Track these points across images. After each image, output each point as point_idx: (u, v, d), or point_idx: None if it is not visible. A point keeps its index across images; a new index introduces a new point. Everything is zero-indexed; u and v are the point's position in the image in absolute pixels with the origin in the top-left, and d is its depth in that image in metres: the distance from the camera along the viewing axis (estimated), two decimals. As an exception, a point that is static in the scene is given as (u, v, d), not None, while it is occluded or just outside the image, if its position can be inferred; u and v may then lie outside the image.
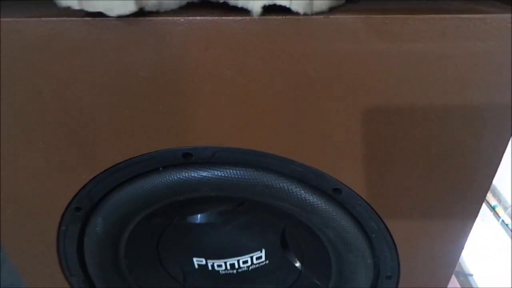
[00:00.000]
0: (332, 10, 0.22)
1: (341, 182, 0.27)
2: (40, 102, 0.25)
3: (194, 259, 0.36)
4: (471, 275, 1.14)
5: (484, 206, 1.70)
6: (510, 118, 0.23)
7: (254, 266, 0.36)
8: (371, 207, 0.28)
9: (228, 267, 0.36)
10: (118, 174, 0.28)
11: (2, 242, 0.33)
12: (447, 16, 0.20)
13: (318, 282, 0.37)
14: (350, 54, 0.21)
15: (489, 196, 2.16)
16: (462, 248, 0.30)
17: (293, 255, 0.37)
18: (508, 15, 0.20)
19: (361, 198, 0.28)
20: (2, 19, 0.22)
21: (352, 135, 0.25)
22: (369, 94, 0.23)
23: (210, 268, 0.36)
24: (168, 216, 0.34)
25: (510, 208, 1.68)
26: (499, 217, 1.94)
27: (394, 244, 0.30)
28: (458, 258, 0.31)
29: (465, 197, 0.27)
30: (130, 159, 0.27)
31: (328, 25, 0.20)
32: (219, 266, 0.36)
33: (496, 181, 2.12)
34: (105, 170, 0.28)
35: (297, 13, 0.21)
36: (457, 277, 1.14)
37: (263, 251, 0.36)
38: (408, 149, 0.25)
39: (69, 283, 0.36)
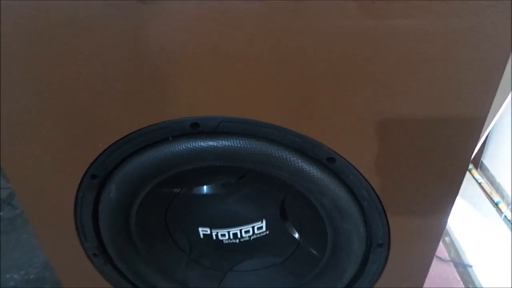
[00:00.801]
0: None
1: (335, 152, 0.29)
2: (60, 76, 0.27)
3: (200, 229, 0.39)
4: (471, 266, 1.16)
5: (487, 202, 1.72)
6: (491, 88, 0.25)
7: (255, 236, 0.39)
8: (363, 176, 0.30)
9: (231, 236, 0.39)
10: (130, 144, 0.30)
11: (27, 211, 0.36)
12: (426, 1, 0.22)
13: (315, 252, 0.39)
14: (342, 30, 0.24)
15: (493, 193, 2.17)
16: (448, 217, 0.32)
17: (291, 226, 0.39)
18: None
19: (354, 167, 0.30)
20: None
21: (345, 107, 0.27)
22: (361, 68, 0.25)
23: (214, 237, 0.39)
24: (175, 187, 0.36)
25: None
26: (502, 212, 1.95)
27: (385, 212, 0.32)
28: (444, 226, 0.33)
29: (450, 165, 0.29)
30: (141, 129, 0.30)
31: (324, 4, 0.23)
32: (223, 235, 0.39)
33: (500, 178, 2.13)
34: (118, 140, 0.30)
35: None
36: (456, 268, 1.16)
37: (264, 221, 0.38)
38: (396, 120, 0.27)
39: (83, 249, 0.38)
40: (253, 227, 0.38)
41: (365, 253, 0.36)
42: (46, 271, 0.72)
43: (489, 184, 2.25)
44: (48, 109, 0.29)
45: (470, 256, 1.19)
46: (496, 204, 2.10)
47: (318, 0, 0.23)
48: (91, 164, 0.32)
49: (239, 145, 0.29)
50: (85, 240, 0.37)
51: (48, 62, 0.27)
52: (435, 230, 0.33)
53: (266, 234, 0.39)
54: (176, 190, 0.37)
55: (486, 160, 2.34)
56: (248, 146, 0.29)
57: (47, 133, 0.30)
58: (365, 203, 0.32)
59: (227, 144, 0.29)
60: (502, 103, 1.73)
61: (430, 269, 1.10)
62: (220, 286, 0.43)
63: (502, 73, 0.24)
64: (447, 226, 1.39)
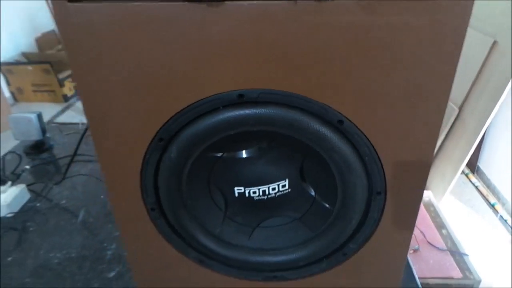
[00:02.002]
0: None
1: (343, 115, 0.40)
2: (139, 60, 0.38)
3: (235, 188, 0.49)
4: (467, 255, 1.25)
5: (484, 204, 1.83)
6: (452, 64, 0.36)
7: (280, 193, 0.49)
8: (365, 135, 0.41)
9: (261, 193, 0.49)
10: (190, 113, 0.41)
11: (103, 170, 0.46)
12: (401, 1, 0.33)
13: (327, 205, 0.49)
14: (346, 24, 0.34)
15: (489, 195, 2.26)
16: (429, 167, 0.42)
17: (308, 185, 0.49)
18: (428, 1, 0.33)
19: (358, 128, 0.40)
20: (113, 3, 0.35)
21: (350, 81, 0.37)
22: (360, 51, 0.36)
23: (247, 195, 0.49)
24: (218, 151, 0.47)
25: (508, 204, 1.79)
26: (497, 212, 2.05)
27: (382, 164, 0.42)
28: (427, 177, 0.43)
29: (428, 122, 0.39)
30: (199, 100, 0.40)
31: (335, 5, 0.34)
32: (254, 192, 0.49)
33: (495, 181, 2.22)
34: (181, 110, 0.41)
35: (315, -1, 0.34)
36: (453, 256, 1.26)
37: (287, 180, 0.48)
38: (389, 89, 0.38)
39: (144, 204, 0.48)
40: (278, 185, 0.48)
41: (367, 202, 0.46)
42: (85, 250, 0.82)
43: (485, 187, 2.34)
44: (129, 85, 0.39)
45: (466, 246, 1.28)
46: (492, 206, 2.18)
47: (330, 3, 0.33)
48: (159, 129, 0.42)
49: (272, 112, 0.40)
50: (146, 196, 0.47)
51: (132, 49, 0.37)
52: (420, 178, 0.43)
53: (288, 191, 0.49)
54: (218, 154, 0.47)
55: (482, 164, 2.44)
56: (279, 112, 0.40)
57: (128, 105, 0.41)
58: (366, 158, 0.42)
59: (264, 111, 0.40)
60: (493, 108, 1.83)
61: (429, 258, 1.21)
62: (249, 240, 0.53)
63: (458, 51, 0.35)
64: (444, 221, 1.48)
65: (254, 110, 0.40)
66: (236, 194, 0.49)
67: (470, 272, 1.16)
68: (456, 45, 0.34)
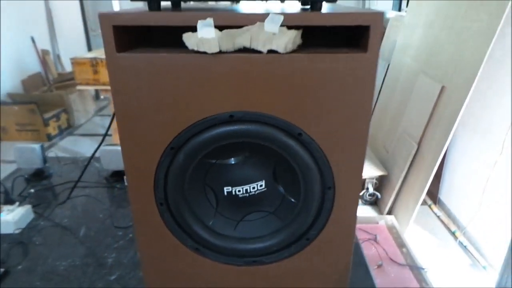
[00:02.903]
0: (294, 50, 0.54)
1: (302, 129, 0.57)
2: (158, 91, 0.55)
3: (224, 188, 0.65)
4: (424, 269, 1.41)
5: (446, 232, 2.03)
6: (369, 91, 0.55)
7: (259, 191, 0.65)
8: (317, 143, 0.58)
9: (244, 191, 0.65)
10: (196, 128, 0.58)
11: (127, 171, 0.61)
12: (329, 54, 0.52)
13: (293, 200, 0.65)
14: (300, 68, 0.53)
15: (450, 223, 2.46)
16: (362, 167, 0.60)
17: (279, 185, 0.66)
18: (344, 55, 0.52)
19: (312, 138, 0.58)
20: (146, 54, 0.53)
21: (304, 105, 0.56)
22: (309, 85, 0.54)
23: (233, 193, 0.65)
24: (213, 158, 0.63)
25: (466, 231, 2.00)
26: (457, 238, 2.24)
27: (330, 165, 0.60)
28: (361, 175, 0.60)
29: (359, 132, 0.57)
30: (202, 119, 0.57)
31: (292, 57, 0.52)
32: (239, 191, 0.65)
33: (455, 211, 2.44)
34: (189, 126, 0.58)
35: (279, 52, 0.53)
36: (412, 270, 1.41)
37: (263, 181, 0.65)
38: (330, 110, 0.56)
39: (155, 200, 0.63)
40: (257, 185, 0.65)
41: (322, 195, 0.63)
42: (88, 259, 0.93)
43: (446, 216, 2.55)
44: (152, 108, 0.56)
45: (425, 263, 1.43)
46: (453, 233, 2.38)
47: (290, 55, 0.52)
48: (171, 140, 0.58)
49: (252, 127, 0.57)
50: (157, 192, 0.63)
51: (157, 83, 0.55)
52: (357, 175, 0.60)
53: (264, 190, 0.65)
54: (213, 161, 0.63)
55: (442, 196, 2.66)
56: (257, 127, 0.57)
57: (150, 122, 0.57)
58: (319, 161, 0.60)
59: (246, 127, 0.57)
60: (445, 143, 2.07)
61: (391, 272, 1.38)
62: (234, 230, 0.68)
63: (371, 88, 0.54)
64: (405, 241, 1.64)
65: (240, 126, 0.57)
66: (225, 193, 0.65)
67: (427, 284, 1.31)
68: (369, 80, 0.54)
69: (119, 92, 0.55)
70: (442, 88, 2.15)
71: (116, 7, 4.91)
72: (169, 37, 0.56)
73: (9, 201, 1.08)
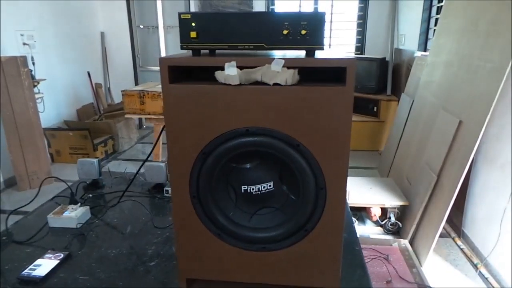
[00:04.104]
0: (294, 83, 0.75)
1: (299, 142, 0.77)
2: (196, 111, 0.77)
3: (242, 187, 0.85)
4: (430, 287, 1.49)
5: (468, 264, 2.13)
6: (348, 113, 0.74)
7: (268, 190, 0.84)
8: (311, 153, 0.78)
9: (257, 190, 0.84)
10: (221, 138, 0.79)
11: (170, 170, 0.83)
12: (318, 87, 0.73)
13: (293, 197, 0.84)
14: (297, 96, 0.74)
15: (472, 256, 2.52)
16: (346, 172, 0.78)
17: (284, 185, 0.85)
18: (329, 87, 0.72)
19: (307, 148, 0.77)
20: (189, 85, 0.75)
21: (301, 122, 0.76)
22: (304, 108, 0.74)
23: (249, 191, 0.85)
24: (234, 163, 0.83)
25: (490, 265, 2.09)
26: (477, 269, 2.30)
27: (322, 170, 0.79)
28: (346, 179, 0.78)
29: (342, 144, 0.76)
30: (226, 132, 0.78)
31: (291, 88, 0.73)
32: (253, 189, 0.84)
33: (478, 244, 2.51)
34: (216, 137, 0.79)
35: (282, 85, 0.74)
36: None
37: (272, 182, 0.84)
38: (320, 127, 0.75)
39: (190, 193, 0.84)
40: (267, 185, 0.84)
41: (316, 194, 0.81)
42: (132, 249, 1.14)
43: (469, 249, 2.59)
44: (191, 123, 0.79)
45: (433, 277, 1.51)
46: (475, 265, 2.41)
47: (290, 88, 0.73)
48: (203, 147, 0.80)
49: (263, 139, 0.78)
50: (191, 188, 0.84)
51: (196, 106, 0.77)
52: (342, 179, 0.78)
53: (273, 189, 0.85)
54: (234, 165, 0.84)
55: (466, 228, 2.70)
56: (266, 139, 0.78)
57: (189, 134, 0.79)
58: (313, 166, 0.79)
59: (259, 139, 0.78)
60: (462, 173, 2.17)
61: None
62: (249, 222, 0.87)
63: (348, 114, 0.73)
64: (416, 262, 1.72)
65: (254, 138, 0.78)
66: (242, 190, 0.85)
67: (432, 301, 1.39)
68: (347, 105, 0.73)
69: (169, 111, 0.77)
70: (460, 122, 2.27)
71: (163, 50, 5.44)
72: (203, 74, 0.79)
73: (73, 202, 1.33)
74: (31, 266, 1.04)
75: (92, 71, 5.10)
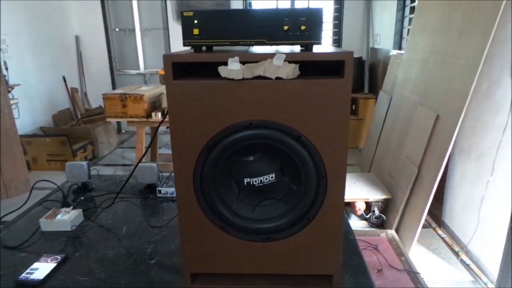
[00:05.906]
0: (295, 77, 0.78)
1: (301, 133, 0.80)
2: (200, 105, 0.79)
3: (244, 179, 0.87)
4: (419, 273, 1.56)
5: (449, 252, 2.21)
6: (345, 106, 0.78)
7: (270, 181, 0.87)
8: (312, 144, 0.81)
9: (259, 181, 0.87)
10: (225, 132, 0.81)
11: (175, 164, 0.84)
12: (318, 80, 0.76)
13: (295, 188, 0.87)
14: (298, 89, 0.77)
15: (453, 244, 2.61)
16: (346, 162, 0.82)
17: (285, 177, 0.88)
18: (328, 80, 0.76)
19: (308, 139, 0.81)
20: (192, 81, 0.77)
21: (303, 114, 0.79)
22: (304, 101, 0.78)
23: (251, 183, 0.87)
24: (236, 156, 0.85)
25: (471, 253, 2.17)
26: (459, 256, 2.40)
27: (322, 160, 0.82)
28: (345, 169, 0.82)
29: (341, 134, 0.80)
30: (230, 125, 0.80)
31: (292, 82, 0.76)
32: (255, 181, 0.87)
33: (458, 232, 2.60)
34: (220, 130, 0.81)
35: (283, 79, 0.76)
36: (408, 275, 1.56)
37: (273, 174, 0.87)
38: (321, 119, 0.79)
39: (193, 187, 0.86)
40: (269, 176, 0.87)
41: (317, 183, 0.84)
42: (131, 249, 1.14)
43: (449, 237, 2.69)
44: (195, 117, 0.80)
45: (418, 267, 1.58)
46: (456, 253, 2.51)
47: (291, 81, 0.76)
48: (208, 141, 0.82)
49: (265, 132, 0.80)
50: (195, 182, 0.85)
51: (200, 100, 0.79)
52: (342, 168, 0.82)
53: (275, 181, 0.87)
54: (236, 158, 0.86)
55: (445, 218, 2.81)
56: (269, 132, 0.80)
57: (193, 127, 0.81)
58: (314, 156, 0.82)
59: (261, 131, 0.80)
60: (441, 166, 2.26)
61: (389, 276, 1.60)
62: (252, 213, 0.89)
63: (346, 106, 0.77)
64: (404, 250, 1.79)
65: (257, 131, 0.80)
66: (245, 183, 0.87)
67: (421, 285, 1.45)
68: (345, 97, 0.77)
69: (173, 107, 0.79)
70: (437, 117, 2.37)
71: (140, 53, 5.37)
72: (204, 70, 0.81)
73: (66, 204, 1.31)
74: (28, 270, 1.02)
75: (67, 76, 4.99)
